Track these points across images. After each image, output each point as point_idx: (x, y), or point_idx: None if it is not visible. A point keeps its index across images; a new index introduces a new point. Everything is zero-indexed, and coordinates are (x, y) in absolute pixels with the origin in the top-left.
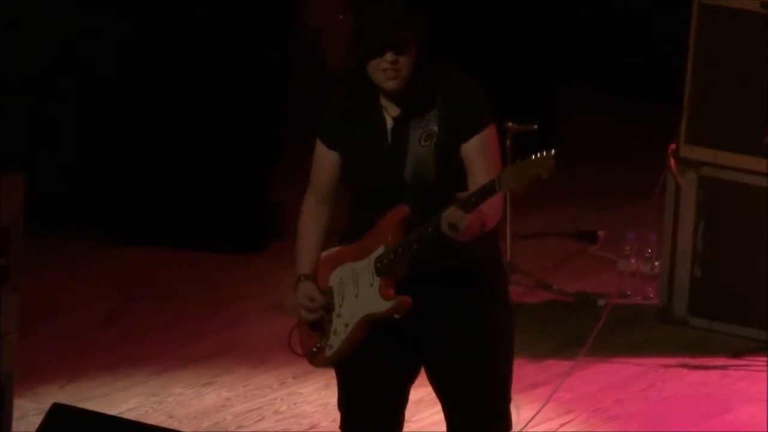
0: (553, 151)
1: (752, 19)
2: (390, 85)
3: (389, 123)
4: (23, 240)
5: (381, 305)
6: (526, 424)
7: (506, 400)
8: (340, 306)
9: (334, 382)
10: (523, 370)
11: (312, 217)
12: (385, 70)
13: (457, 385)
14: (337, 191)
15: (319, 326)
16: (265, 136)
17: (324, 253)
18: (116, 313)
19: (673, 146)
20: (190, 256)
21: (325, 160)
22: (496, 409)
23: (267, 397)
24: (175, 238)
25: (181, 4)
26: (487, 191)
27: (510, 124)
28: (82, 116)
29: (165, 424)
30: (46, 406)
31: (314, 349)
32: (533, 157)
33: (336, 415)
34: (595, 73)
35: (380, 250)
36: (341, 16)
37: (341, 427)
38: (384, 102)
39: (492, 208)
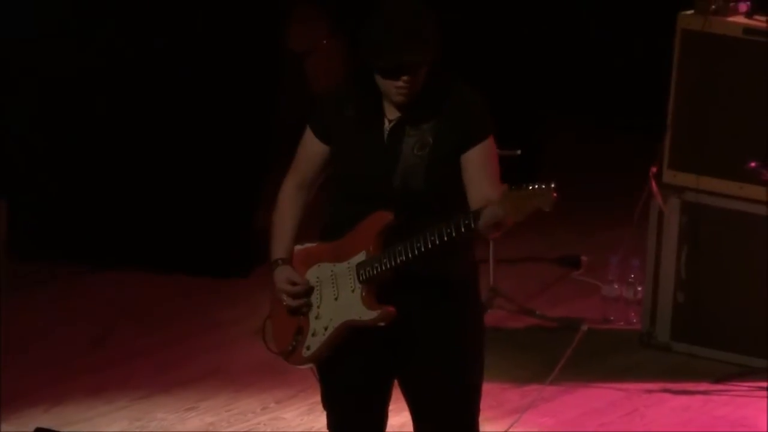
0: (553, 184)
1: (735, 45)
2: (399, 99)
3: (386, 124)
4: (6, 264)
5: (365, 314)
6: None
7: (475, 412)
8: (318, 307)
9: (318, 407)
10: (505, 395)
11: (291, 201)
12: (398, 88)
13: (429, 394)
14: (318, 181)
15: (295, 322)
16: (249, 160)
17: (297, 248)
18: (100, 337)
19: (654, 169)
20: (173, 280)
21: (313, 149)
22: (465, 421)
23: (250, 422)
24: (159, 262)
25: (164, 29)
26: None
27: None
28: (67, 141)
29: None
30: (29, 429)
31: (290, 348)
32: (532, 187)
33: None
34: (576, 99)
35: (361, 256)
36: (325, 41)
37: (328, 425)
38: (384, 103)
39: None
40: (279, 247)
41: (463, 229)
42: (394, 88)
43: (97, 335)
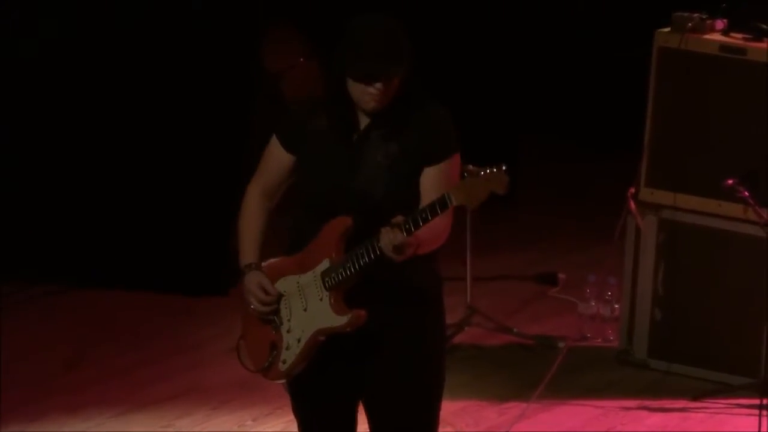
0: (504, 167)
1: (711, 63)
2: (370, 107)
3: (354, 136)
4: None
5: (335, 320)
6: None
7: (434, 428)
8: (288, 320)
9: (293, 425)
10: (483, 413)
11: (257, 207)
12: (371, 95)
13: (387, 405)
14: (281, 189)
15: (268, 339)
16: (225, 179)
17: (263, 264)
18: (76, 355)
19: (632, 190)
20: (149, 299)
21: (279, 159)
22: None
23: None
24: (135, 281)
25: (143, 47)
26: (437, 207)
27: (470, 167)
28: (41, 161)
29: None
30: None
31: (266, 364)
32: (483, 173)
33: None
34: (555, 119)
35: (325, 263)
36: (302, 60)
37: None
38: (357, 115)
39: (432, 230)
40: (248, 253)
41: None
42: (366, 94)
43: (72, 355)
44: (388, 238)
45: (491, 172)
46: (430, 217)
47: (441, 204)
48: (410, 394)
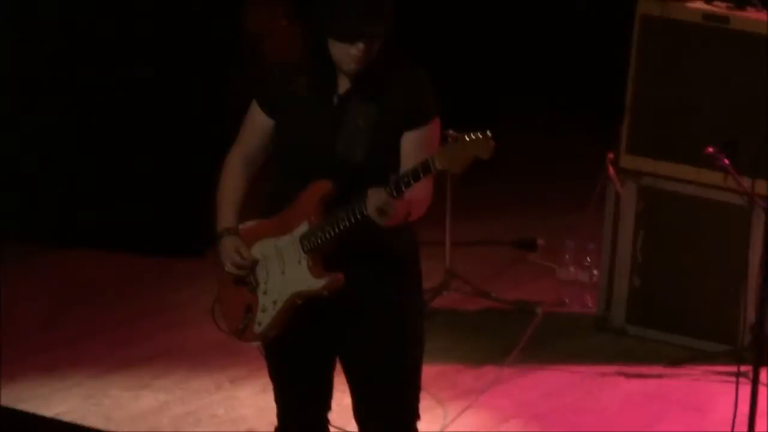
0: (489, 132)
1: (694, 31)
2: (351, 68)
3: (334, 99)
4: None
5: (313, 283)
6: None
7: (415, 390)
8: (265, 282)
9: (271, 386)
10: (460, 377)
11: (236, 173)
12: (352, 56)
13: (367, 371)
14: (263, 156)
15: (243, 301)
16: (202, 138)
17: (239, 227)
18: (54, 316)
19: (611, 155)
20: (127, 260)
21: (259, 124)
22: (404, 398)
23: (204, 401)
24: (112, 242)
25: (118, 8)
26: (420, 171)
27: (450, 132)
28: (13, 120)
29: (102, 427)
30: None
31: (241, 326)
32: (468, 138)
33: (273, 419)
34: (535, 84)
35: (304, 226)
36: (284, 22)
37: (275, 398)
38: (337, 77)
39: (419, 196)
40: (225, 218)
41: (356, 219)
42: (347, 55)
43: (50, 315)
44: (374, 199)
45: (476, 137)
46: (412, 182)
47: (424, 168)
48: (389, 359)
